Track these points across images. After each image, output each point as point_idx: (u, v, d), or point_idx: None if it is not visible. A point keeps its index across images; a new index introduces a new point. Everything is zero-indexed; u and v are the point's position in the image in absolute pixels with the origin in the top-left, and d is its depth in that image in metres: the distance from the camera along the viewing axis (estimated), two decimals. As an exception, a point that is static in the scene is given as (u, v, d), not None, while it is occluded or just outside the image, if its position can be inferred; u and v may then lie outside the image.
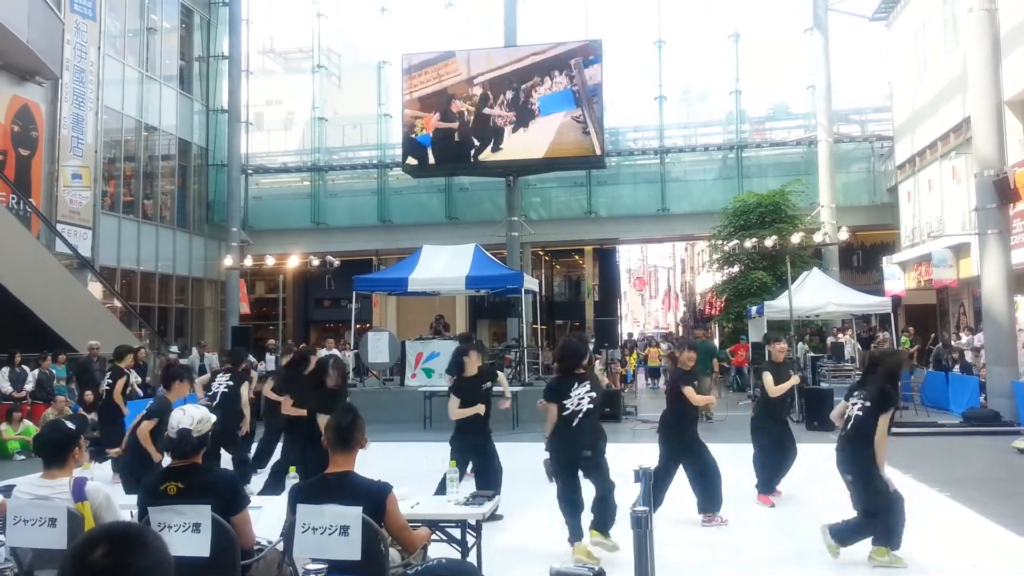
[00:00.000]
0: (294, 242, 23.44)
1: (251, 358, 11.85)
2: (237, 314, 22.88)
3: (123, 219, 21.08)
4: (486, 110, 21.35)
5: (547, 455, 6.14)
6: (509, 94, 21.26)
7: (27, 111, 17.50)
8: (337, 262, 19.15)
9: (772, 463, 7.58)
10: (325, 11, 26.01)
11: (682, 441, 6.76)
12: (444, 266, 15.64)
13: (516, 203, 22.60)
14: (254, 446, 8.84)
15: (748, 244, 17.29)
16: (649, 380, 23.88)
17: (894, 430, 5.95)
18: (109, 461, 8.58)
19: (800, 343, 18.61)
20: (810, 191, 21.33)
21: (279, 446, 8.19)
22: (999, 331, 13.19)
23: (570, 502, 5.72)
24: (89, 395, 12.72)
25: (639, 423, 13.96)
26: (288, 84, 29.81)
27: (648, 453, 8.53)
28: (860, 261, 26.00)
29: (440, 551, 4.38)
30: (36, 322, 13.99)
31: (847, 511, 5.60)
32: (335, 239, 24.37)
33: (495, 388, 7.34)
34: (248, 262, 20.80)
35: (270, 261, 20.04)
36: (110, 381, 9.88)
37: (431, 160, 21.74)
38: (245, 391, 8.40)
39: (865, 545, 5.52)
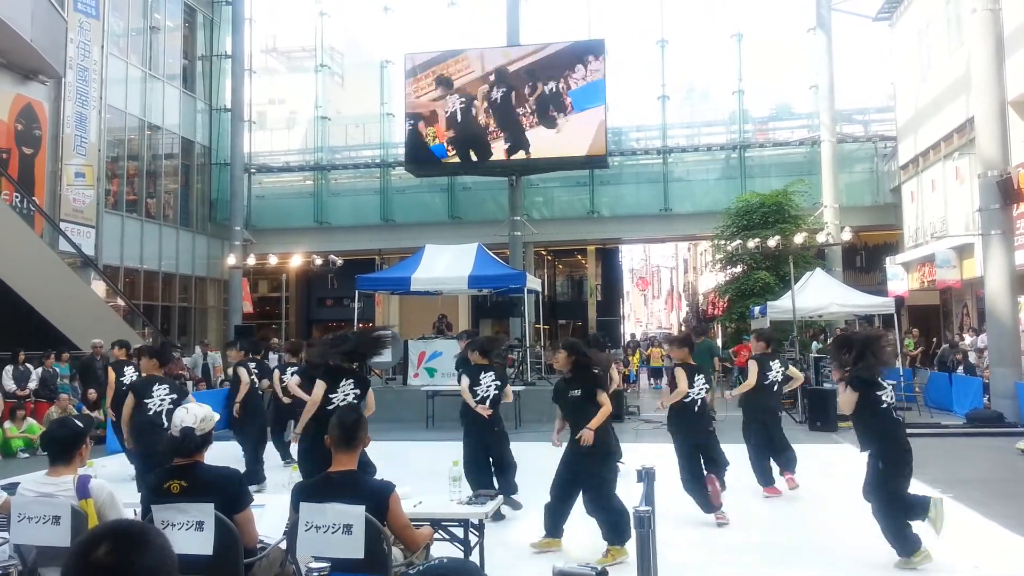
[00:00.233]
0: (297, 241, 23.48)
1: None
2: (240, 313, 22.90)
3: (126, 218, 21.11)
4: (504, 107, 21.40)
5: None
6: (527, 90, 21.28)
7: (30, 110, 17.53)
8: (340, 261, 19.19)
9: (764, 460, 7.76)
10: (328, 10, 26.04)
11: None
12: (447, 265, 15.64)
13: (519, 203, 22.61)
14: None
15: (751, 244, 17.28)
16: (652, 380, 23.88)
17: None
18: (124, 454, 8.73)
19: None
20: (813, 191, 21.31)
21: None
22: (1003, 332, 13.16)
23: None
24: (92, 393, 12.75)
25: (642, 423, 13.97)
26: (291, 83, 29.82)
27: (651, 453, 8.55)
28: (863, 262, 25.96)
29: (443, 550, 4.38)
30: (40, 320, 14.01)
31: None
32: (338, 238, 24.39)
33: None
34: (251, 261, 20.83)
35: (273, 260, 20.09)
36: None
37: (449, 160, 21.83)
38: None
39: (866, 545, 5.53)
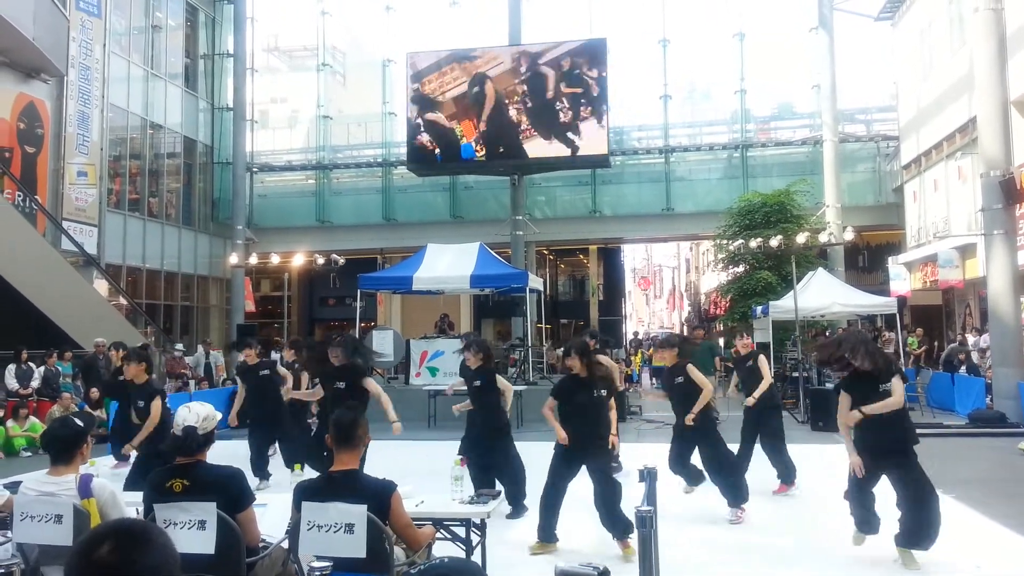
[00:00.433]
0: (299, 240, 23.48)
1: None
2: (242, 312, 22.92)
3: (128, 217, 21.13)
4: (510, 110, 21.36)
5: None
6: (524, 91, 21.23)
7: (33, 108, 17.55)
8: (342, 260, 19.20)
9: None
10: (330, 9, 26.04)
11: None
12: (449, 265, 15.64)
13: (521, 202, 22.60)
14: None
15: (753, 244, 17.24)
16: (654, 380, 23.86)
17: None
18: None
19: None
20: (815, 191, 21.28)
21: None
22: (1005, 332, 13.14)
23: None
24: (95, 392, 12.77)
25: (644, 422, 13.97)
26: (293, 82, 29.83)
27: (653, 452, 8.54)
28: (865, 261, 25.93)
29: (444, 549, 4.38)
30: (42, 319, 14.04)
31: (848, 511, 5.60)
32: (340, 237, 24.40)
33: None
34: (253, 260, 20.86)
35: (275, 259, 20.12)
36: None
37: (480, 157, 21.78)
38: None
39: (866, 545, 5.53)
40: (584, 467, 5.87)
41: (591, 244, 29.16)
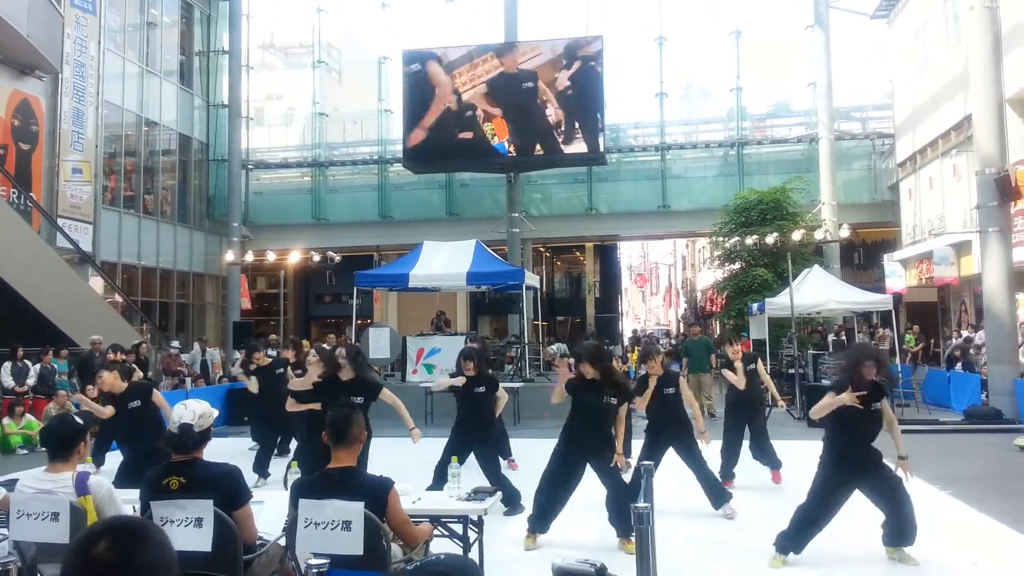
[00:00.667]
0: (295, 238, 23.44)
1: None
2: (238, 309, 22.88)
3: (124, 214, 21.07)
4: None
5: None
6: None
7: (27, 105, 17.48)
8: (338, 258, 19.19)
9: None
10: (325, 6, 25.98)
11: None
12: (445, 262, 15.63)
13: (517, 199, 22.58)
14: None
15: (749, 241, 17.27)
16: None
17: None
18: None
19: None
20: (811, 188, 21.31)
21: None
22: (1000, 329, 13.19)
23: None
24: (91, 390, 12.72)
25: (641, 420, 13.93)
26: (288, 79, 29.78)
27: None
28: (861, 258, 25.98)
29: (442, 546, 4.38)
30: (38, 317, 13.99)
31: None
32: (336, 235, 24.37)
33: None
34: (249, 257, 20.82)
35: (271, 257, 20.09)
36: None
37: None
38: None
39: (866, 544, 5.53)
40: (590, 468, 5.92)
41: (587, 241, 29.17)
